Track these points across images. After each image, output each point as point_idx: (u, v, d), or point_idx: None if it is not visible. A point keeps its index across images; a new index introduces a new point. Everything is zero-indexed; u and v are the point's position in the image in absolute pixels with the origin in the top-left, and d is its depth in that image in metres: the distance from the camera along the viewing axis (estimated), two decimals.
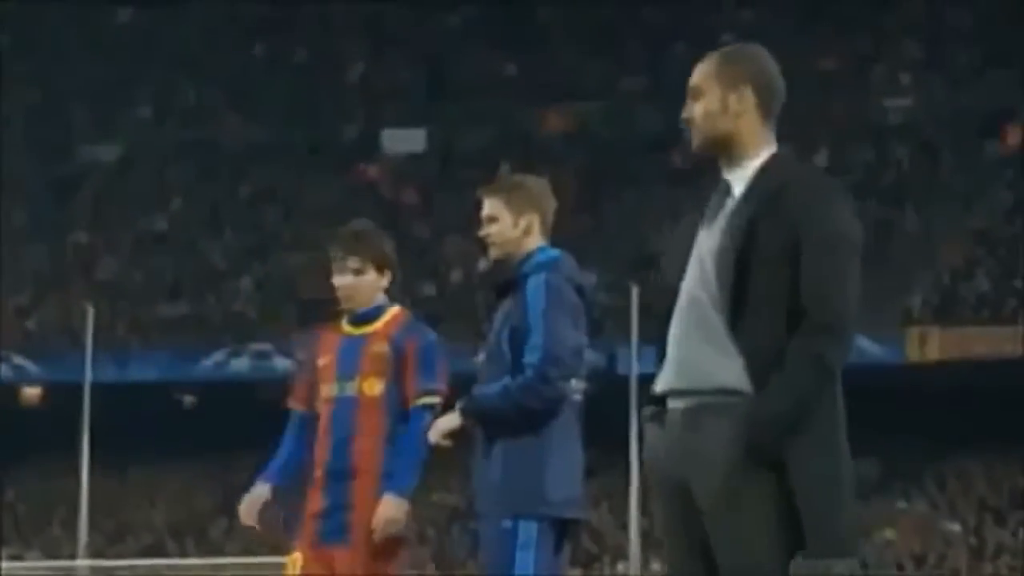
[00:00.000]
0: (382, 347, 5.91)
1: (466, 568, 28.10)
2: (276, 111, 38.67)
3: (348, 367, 5.91)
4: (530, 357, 5.49)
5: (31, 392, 34.56)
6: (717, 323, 3.83)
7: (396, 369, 5.88)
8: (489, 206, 5.67)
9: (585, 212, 33.00)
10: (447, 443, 5.58)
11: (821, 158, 35.66)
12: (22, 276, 36.50)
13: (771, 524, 3.79)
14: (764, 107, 3.85)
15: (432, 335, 6.04)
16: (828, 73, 37.16)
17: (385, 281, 6.04)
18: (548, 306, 5.51)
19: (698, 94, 3.88)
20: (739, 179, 3.88)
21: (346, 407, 5.88)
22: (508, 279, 5.63)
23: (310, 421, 5.97)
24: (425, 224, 36.25)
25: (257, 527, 5.99)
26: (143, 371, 33.56)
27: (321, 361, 5.97)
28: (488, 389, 5.52)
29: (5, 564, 28.30)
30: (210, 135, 39.01)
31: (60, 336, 34.51)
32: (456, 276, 34.37)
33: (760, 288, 3.80)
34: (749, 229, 3.80)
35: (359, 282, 5.96)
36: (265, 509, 5.94)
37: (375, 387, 5.87)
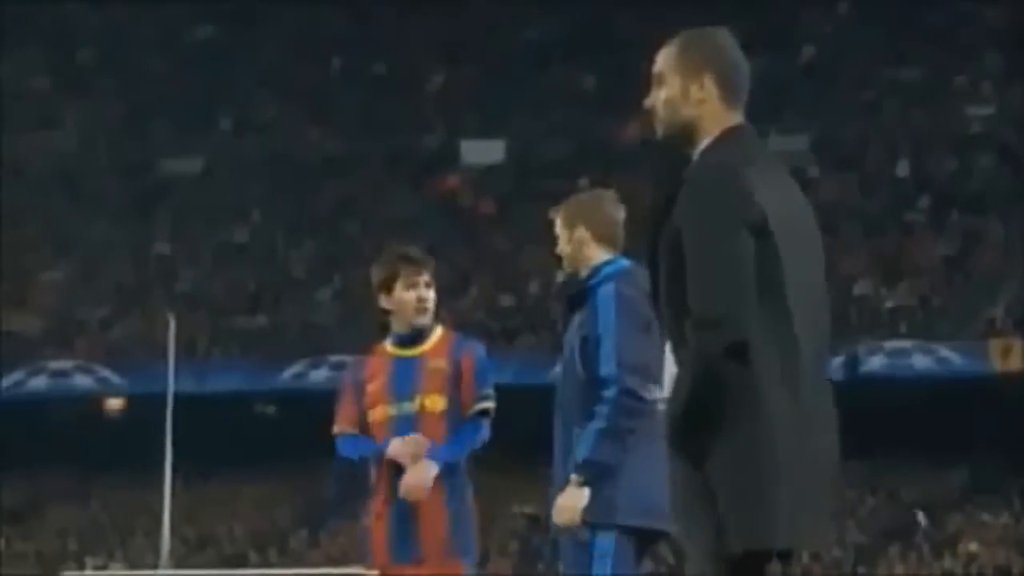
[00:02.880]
0: (440, 363, 5.98)
1: None
2: (355, 123, 38.84)
3: (404, 387, 5.97)
4: (605, 369, 5.49)
5: (114, 403, 34.84)
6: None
7: (455, 384, 5.95)
8: (556, 226, 5.81)
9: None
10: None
11: (903, 168, 35.37)
12: (105, 288, 36.85)
13: (705, 526, 3.69)
14: (725, 93, 3.78)
15: (483, 348, 6.12)
16: (910, 83, 36.87)
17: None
18: (618, 316, 5.52)
19: (660, 81, 3.84)
20: None
21: (406, 426, 5.93)
22: (577, 292, 5.66)
23: (365, 435, 6.03)
24: (503, 235, 36.25)
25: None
26: (224, 382, 33.74)
27: (371, 386, 6.02)
28: (586, 440, 5.52)
29: (90, 573, 28.53)
30: (289, 148, 39.23)
31: (142, 347, 34.76)
32: (534, 287, 34.33)
33: (674, 292, 3.74)
34: (665, 229, 3.78)
35: (432, 296, 6.06)
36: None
37: (437, 403, 5.94)
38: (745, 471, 3.66)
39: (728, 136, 3.76)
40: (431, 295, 6.04)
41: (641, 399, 5.49)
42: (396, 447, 5.88)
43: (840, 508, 4.11)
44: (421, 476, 5.85)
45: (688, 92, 3.78)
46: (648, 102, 3.85)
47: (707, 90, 3.78)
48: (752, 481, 3.65)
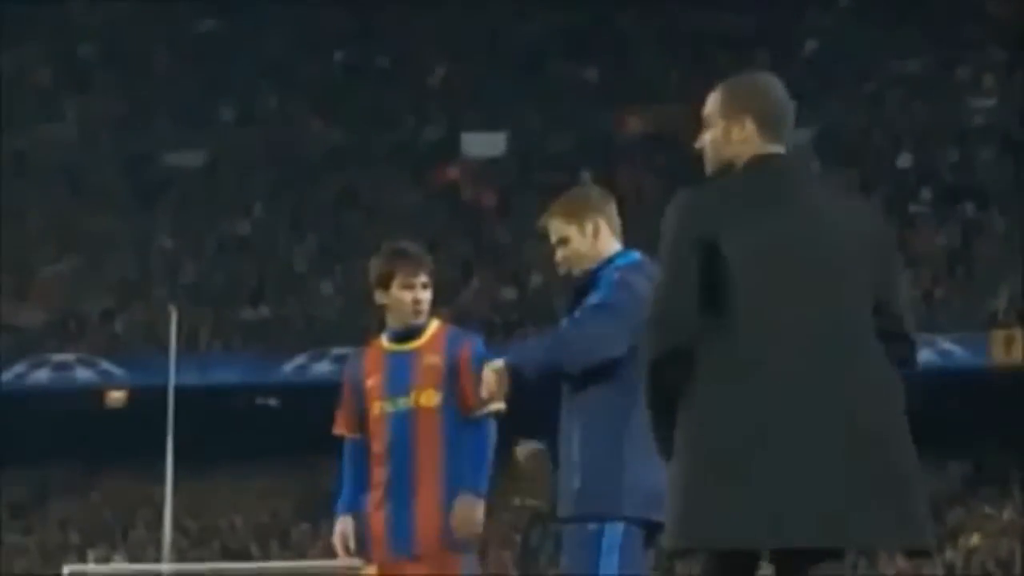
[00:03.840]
0: (435, 359, 5.99)
1: (549, 572, 28.05)
2: (357, 116, 38.83)
3: (400, 383, 5.98)
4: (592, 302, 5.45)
5: (116, 395, 34.85)
6: None
7: (451, 379, 5.95)
8: (554, 230, 5.66)
9: (665, 215, 32.84)
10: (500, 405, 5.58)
11: (905, 160, 35.35)
12: (107, 281, 36.86)
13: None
14: (765, 131, 4.17)
15: (479, 340, 6.11)
16: (912, 75, 36.85)
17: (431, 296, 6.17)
18: (615, 291, 5.47)
19: (707, 125, 4.26)
20: None
21: (402, 422, 5.94)
22: (587, 282, 5.61)
23: (362, 446, 6.04)
24: (505, 228, 36.25)
25: (355, 555, 6.09)
26: (226, 374, 33.76)
27: (369, 381, 6.03)
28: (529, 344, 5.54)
29: (92, 566, 28.55)
30: (291, 140, 39.23)
31: (144, 340, 34.79)
32: (536, 280, 34.33)
33: None
34: None
35: (428, 297, 6.07)
36: (355, 538, 6.07)
37: (432, 399, 5.95)
38: (678, 469, 3.93)
39: (745, 167, 4.15)
40: (426, 296, 6.04)
41: (608, 333, 5.40)
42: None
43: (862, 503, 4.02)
44: (470, 510, 5.88)
45: (730, 134, 4.21)
46: (698, 143, 4.28)
47: (747, 131, 4.18)
48: (680, 480, 3.91)
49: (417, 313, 6.03)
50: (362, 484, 6.04)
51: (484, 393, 5.40)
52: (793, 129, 4.24)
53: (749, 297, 3.95)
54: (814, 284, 3.99)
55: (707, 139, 4.24)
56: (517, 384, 5.38)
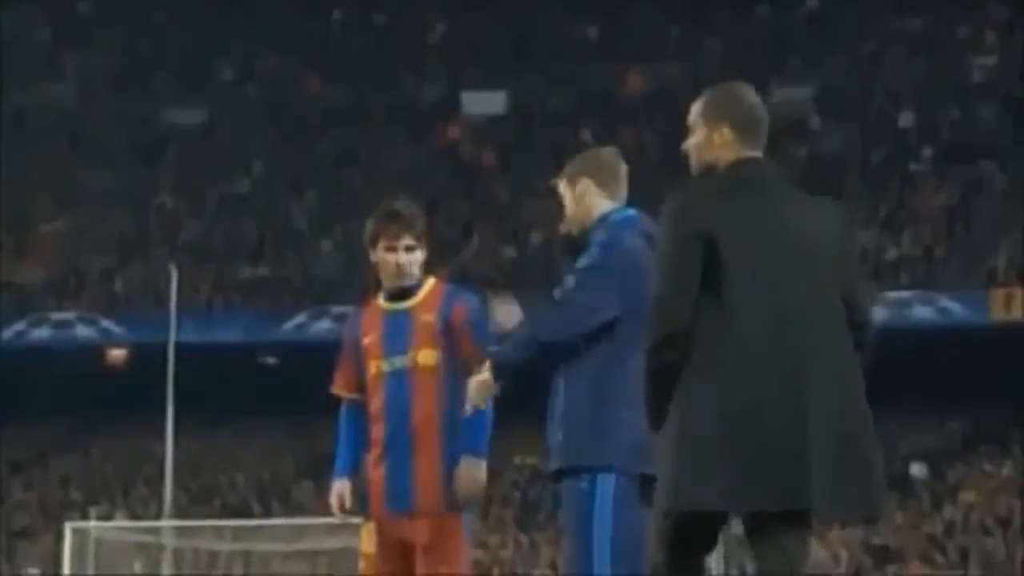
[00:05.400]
0: (430, 317, 5.99)
1: (548, 529, 28.12)
2: (356, 74, 38.70)
3: (397, 342, 5.99)
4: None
5: (116, 353, 34.85)
6: None
7: (446, 338, 5.95)
8: (560, 187, 5.73)
9: (666, 174, 32.80)
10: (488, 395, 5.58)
11: (906, 118, 35.25)
12: (107, 239, 36.82)
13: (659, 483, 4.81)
14: (741, 136, 4.64)
15: (475, 298, 6.11)
16: (913, 33, 36.70)
17: (424, 256, 6.15)
18: (603, 255, 5.49)
19: (691, 130, 4.73)
20: None
21: (400, 380, 5.95)
22: (583, 243, 5.63)
23: (360, 405, 6.05)
24: (505, 186, 36.18)
25: (352, 517, 6.13)
26: (226, 333, 33.75)
27: (366, 339, 6.04)
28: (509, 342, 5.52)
29: (93, 523, 28.59)
30: (291, 99, 39.11)
31: (144, 298, 34.77)
32: (536, 239, 34.28)
33: None
34: None
35: (414, 259, 6.05)
36: (352, 499, 6.10)
37: (429, 357, 5.96)
38: (671, 439, 4.45)
39: (726, 169, 4.62)
40: (410, 259, 6.04)
41: (582, 312, 5.45)
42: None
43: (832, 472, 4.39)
44: (473, 472, 5.89)
45: (711, 139, 4.67)
46: (684, 147, 4.75)
47: (725, 137, 4.65)
48: (673, 449, 4.44)
49: (399, 276, 6.05)
50: (360, 444, 6.04)
51: (468, 406, 5.58)
52: (766, 135, 4.67)
53: (740, 288, 4.44)
54: (797, 278, 4.50)
55: (692, 143, 4.70)
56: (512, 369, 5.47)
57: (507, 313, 5.66)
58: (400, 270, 6.05)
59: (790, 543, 4.46)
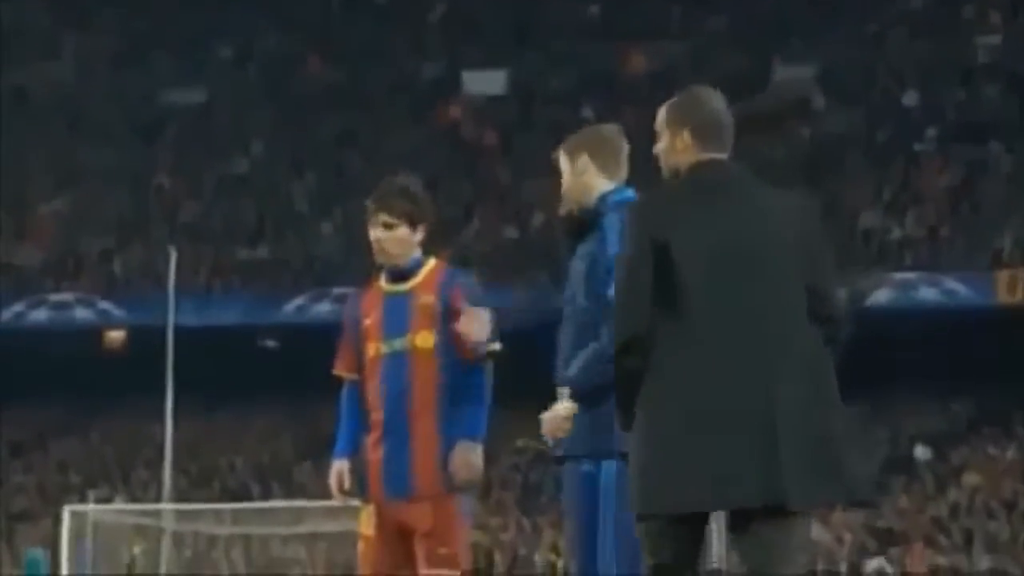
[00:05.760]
0: (430, 299, 5.94)
1: (550, 512, 28.01)
2: (356, 53, 38.52)
3: (396, 324, 5.94)
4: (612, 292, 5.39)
5: (115, 336, 34.73)
6: None
7: (445, 320, 5.90)
8: (560, 159, 5.70)
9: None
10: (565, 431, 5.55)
11: (910, 98, 35.07)
12: (106, 220, 36.67)
13: None
14: (700, 142, 4.75)
15: (474, 280, 6.08)
16: (917, 12, 36.50)
17: (419, 236, 6.06)
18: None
19: (658, 137, 4.87)
20: None
21: (398, 363, 5.92)
22: (583, 221, 5.58)
23: (361, 387, 6.02)
24: (506, 167, 36.02)
25: (351, 499, 6.13)
26: (225, 315, 33.62)
27: (367, 320, 6.00)
28: (583, 357, 5.47)
29: (92, 507, 28.50)
30: (290, 78, 38.95)
31: (143, 279, 34.64)
32: (538, 220, 34.12)
33: None
34: None
35: (389, 237, 5.98)
36: (351, 480, 6.09)
37: (428, 340, 5.91)
38: (637, 444, 4.56)
39: (686, 173, 4.75)
40: (385, 236, 5.98)
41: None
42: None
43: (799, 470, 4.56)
44: (469, 456, 5.87)
45: (674, 144, 4.79)
46: (655, 150, 4.87)
47: (686, 141, 4.77)
48: (640, 454, 4.55)
49: (377, 253, 6.00)
50: (360, 426, 6.01)
51: (547, 437, 5.60)
52: (732, 136, 4.76)
53: (695, 291, 4.54)
54: (752, 276, 4.57)
55: (659, 148, 4.84)
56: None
57: (480, 323, 5.72)
58: (377, 246, 6.01)
59: (772, 539, 4.50)
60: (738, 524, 4.54)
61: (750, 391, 4.48)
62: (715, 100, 4.83)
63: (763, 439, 4.45)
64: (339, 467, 5.96)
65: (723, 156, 4.74)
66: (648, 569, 4.60)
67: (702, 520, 4.57)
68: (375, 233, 6.00)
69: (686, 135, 4.76)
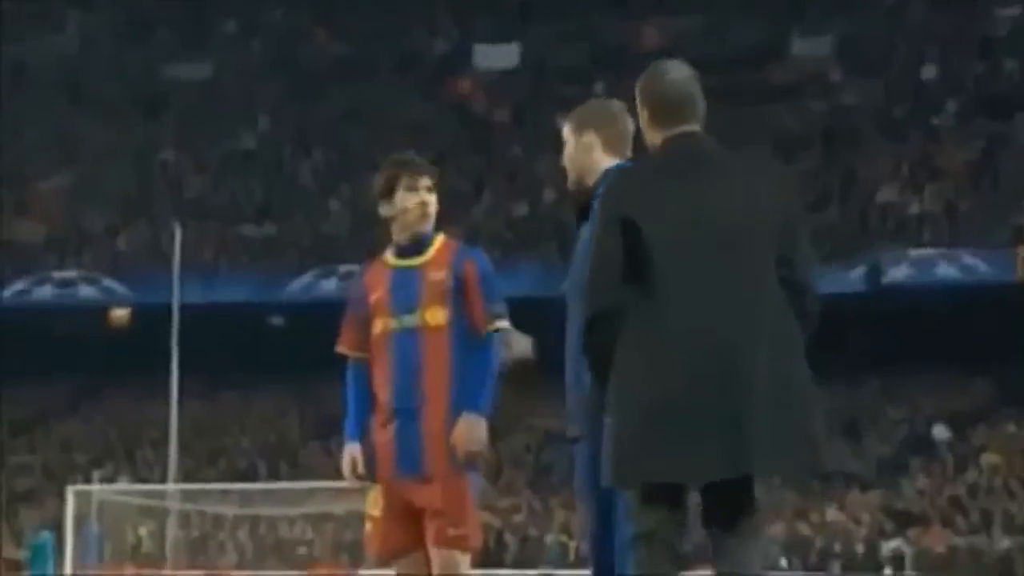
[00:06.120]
0: (441, 275, 5.86)
1: (562, 492, 27.67)
2: (363, 26, 38.15)
3: (405, 299, 5.85)
4: None
5: (119, 314, 34.40)
6: None
7: (457, 296, 5.84)
8: (565, 131, 5.64)
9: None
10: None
11: (929, 71, 34.65)
12: (110, 196, 36.36)
13: None
14: (655, 119, 4.84)
15: (486, 258, 6.02)
16: None
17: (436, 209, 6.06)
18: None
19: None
20: None
21: (408, 339, 5.83)
22: (586, 201, 5.45)
23: (366, 365, 5.93)
24: (517, 142, 35.67)
25: (364, 482, 6.05)
26: (231, 293, 33.28)
27: (373, 296, 5.91)
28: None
29: (96, 487, 28.27)
30: (296, 52, 38.60)
31: (148, 257, 34.34)
32: (549, 195, 33.74)
33: None
34: None
35: (434, 202, 5.96)
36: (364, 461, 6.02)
37: (439, 316, 5.84)
38: (611, 418, 4.62)
39: (657, 149, 4.82)
40: (433, 199, 5.91)
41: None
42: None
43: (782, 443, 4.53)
44: (472, 429, 5.77)
45: (642, 122, 4.91)
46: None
47: (645, 119, 4.88)
48: (614, 427, 4.60)
49: (424, 216, 5.89)
50: (368, 405, 5.91)
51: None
52: (701, 105, 4.77)
53: (664, 265, 4.58)
54: (721, 248, 4.59)
55: (636, 126, 4.98)
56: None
57: (521, 344, 5.77)
58: (425, 208, 5.90)
59: (741, 511, 4.61)
60: (711, 493, 4.64)
61: (718, 364, 4.54)
62: (674, 72, 4.85)
63: (731, 411, 4.51)
64: (351, 450, 5.88)
65: (692, 128, 4.77)
66: (631, 539, 4.65)
67: (680, 491, 4.63)
68: (423, 196, 5.90)
69: (647, 113, 4.86)
